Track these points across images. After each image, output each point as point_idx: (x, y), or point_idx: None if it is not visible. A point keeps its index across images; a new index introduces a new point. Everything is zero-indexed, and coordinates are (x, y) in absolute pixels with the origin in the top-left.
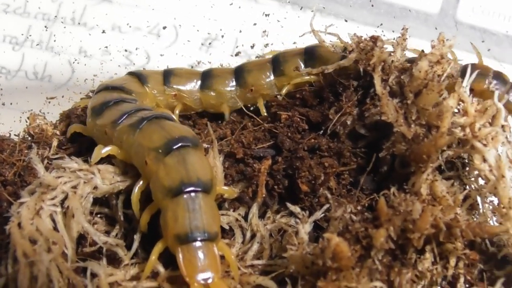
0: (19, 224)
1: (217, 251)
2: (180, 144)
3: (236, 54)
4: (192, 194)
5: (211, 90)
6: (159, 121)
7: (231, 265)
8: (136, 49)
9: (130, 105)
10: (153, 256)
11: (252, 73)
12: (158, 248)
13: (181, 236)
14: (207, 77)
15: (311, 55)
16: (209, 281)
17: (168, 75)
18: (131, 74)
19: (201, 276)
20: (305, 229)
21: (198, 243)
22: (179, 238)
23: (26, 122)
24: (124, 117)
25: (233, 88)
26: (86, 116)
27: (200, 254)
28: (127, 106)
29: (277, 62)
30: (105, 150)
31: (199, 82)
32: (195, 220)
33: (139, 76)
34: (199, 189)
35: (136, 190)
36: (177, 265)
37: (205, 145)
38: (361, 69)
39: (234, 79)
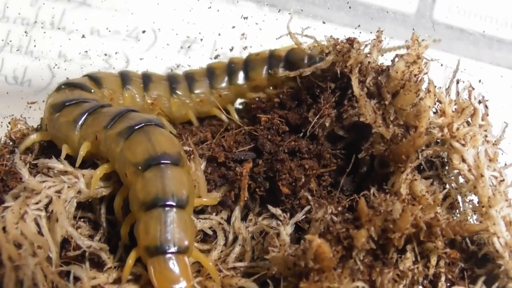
0: (3, 229)
1: (189, 261)
2: (159, 161)
3: (215, 57)
4: (166, 208)
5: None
6: (148, 129)
7: (210, 271)
8: (116, 53)
9: (91, 103)
10: (130, 260)
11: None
12: (133, 255)
13: (151, 248)
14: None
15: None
16: None
17: (126, 79)
18: (87, 76)
19: (172, 287)
20: (287, 231)
21: (167, 255)
22: (148, 250)
23: (7, 127)
24: (85, 115)
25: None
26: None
27: (171, 266)
28: (88, 105)
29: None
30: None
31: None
32: (166, 233)
33: (95, 80)
34: (173, 204)
35: (118, 198)
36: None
37: (186, 148)
38: (338, 71)
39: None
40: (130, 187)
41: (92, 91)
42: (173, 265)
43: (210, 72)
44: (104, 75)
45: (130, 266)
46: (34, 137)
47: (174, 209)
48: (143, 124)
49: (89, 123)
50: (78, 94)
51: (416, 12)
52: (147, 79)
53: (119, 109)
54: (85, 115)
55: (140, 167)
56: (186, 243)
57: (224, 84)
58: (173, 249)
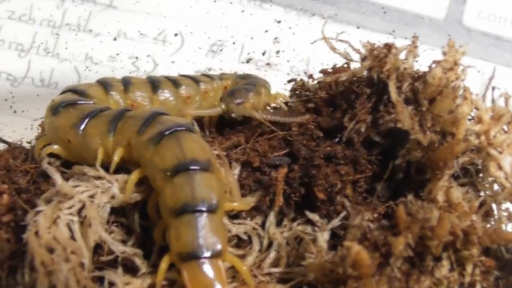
0: (36, 233)
1: (223, 265)
2: (189, 168)
3: (247, 61)
4: (196, 214)
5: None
6: (179, 135)
7: (244, 275)
8: (148, 56)
9: (90, 106)
10: (163, 265)
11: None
12: (166, 260)
13: (183, 254)
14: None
15: None
16: None
17: (126, 83)
18: (69, 91)
19: None
20: (324, 237)
21: (201, 260)
22: (181, 256)
23: (38, 129)
24: (87, 119)
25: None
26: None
27: (205, 270)
28: (87, 107)
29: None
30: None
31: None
32: (198, 239)
33: (104, 84)
34: (203, 209)
35: (151, 202)
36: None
37: (216, 152)
38: (375, 77)
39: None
40: (159, 193)
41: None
42: (207, 270)
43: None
44: (86, 86)
45: (164, 271)
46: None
47: (205, 214)
48: (173, 129)
49: (120, 130)
50: (89, 107)
51: (446, 17)
52: (127, 82)
53: (149, 112)
54: (115, 122)
55: (169, 173)
56: (219, 247)
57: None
58: (206, 254)
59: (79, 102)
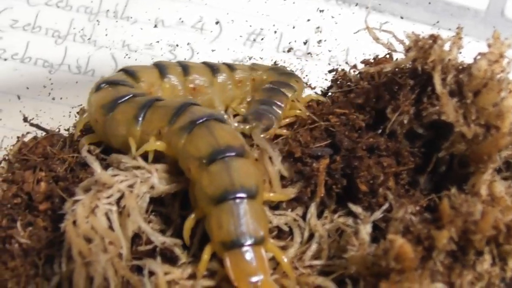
0: (74, 222)
1: (265, 253)
2: (224, 155)
3: (289, 50)
4: (237, 200)
5: None
6: (209, 124)
7: (284, 267)
8: (187, 43)
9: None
10: (205, 255)
11: None
12: (208, 250)
13: (227, 243)
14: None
15: None
16: (259, 283)
17: (185, 66)
18: (122, 71)
19: (250, 280)
20: (367, 229)
21: (244, 248)
22: (224, 245)
23: (76, 117)
24: (144, 111)
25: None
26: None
27: (247, 258)
28: (123, 90)
29: None
30: (152, 145)
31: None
32: (240, 226)
33: (160, 67)
34: (244, 195)
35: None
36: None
37: (255, 142)
38: (419, 68)
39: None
40: (195, 182)
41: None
42: (250, 258)
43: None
44: (140, 68)
45: (206, 262)
46: (83, 142)
47: (245, 201)
48: (204, 119)
49: (149, 119)
50: (125, 90)
51: (487, 8)
52: (186, 65)
53: (181, 103)
54: (144, 110)
55: (204, 161)
56: (262, 233)
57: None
58: (249, 241)
59: (120, 83)
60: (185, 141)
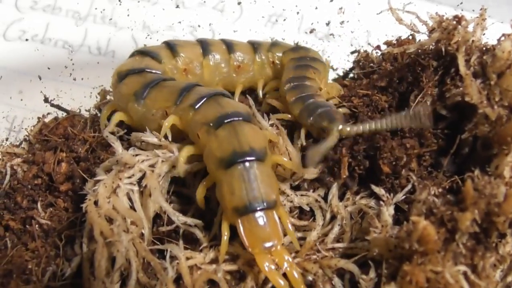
0: (95, 203)
1: (277, 218)
2: (231, 119)
3: (311, 31)
4: (246, 164)
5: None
6: (217, 98)
7: (289, 234)
8: (209, 24)
9: (153, 75)
10: (225, 234)
11: None
12: (225, 226)
13: (240, 208)
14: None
15: None
16: (272, 249)
17: (229, 44)
18: (165, 43)
19: (263, 245)
20: (389, 211)
21: (257, 213)
22: (237, 210)
23: (96, 98)
24: (147, 89)
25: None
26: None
27: (261, 223)
28: (151, 76)
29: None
30: (167, 122)
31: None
32: (252, 191)
33: (203, 44)
34: (253, 158)
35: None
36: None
37: (272, 122)
38: (443, 49)
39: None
40: (204, 148)
41: (163, 61)
42: (263, 223)
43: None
44: (182, 43)
45: (227, 243)
46: (104, 112)
47: (255, 164)
48: (213, 94)
49: (153, 97)
50: (145, 63)
51: None
52: (230, 43)
53: (185, 84)
54: (148, 89)
55: (212, 124)
56: (274, 197)
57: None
58: (262, 206)
59: (146, 70)
60: (194, 113)
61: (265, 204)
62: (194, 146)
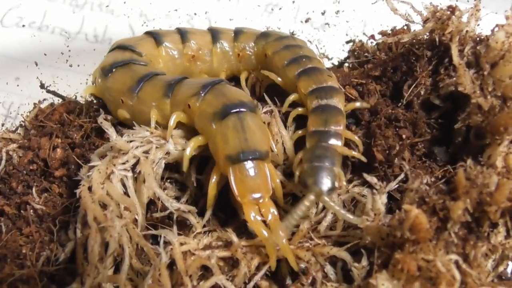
0: (89, 188)
1: (268, 171)
2: (217, 83)
3: (306, 21)
4: (240, 114)
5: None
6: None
7: (276, 189)
8: (206, 12)
9: (143, 68)
10: (214, 178)
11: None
12: (216, 172)
13: (233, 156)
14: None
15: None
16: (260, 200)
17: (184, 33)
18: (147, 33)
19: (252, 195)
20: (382, 200)
21: (249, 163)
22: (230, 158)
23: (93, 84)
24: (141, 84)
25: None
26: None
27: (251, 174)
28: (141, 70)
29: None
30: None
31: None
32: (246, 140)
33: (155, 36)
34: (244, 109)
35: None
36: (247, 223)
37: (269, 109)
38: (437, 39)
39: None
40: (197, 113)
41: (143, 55)
42: (254, 173)
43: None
44: (194, 30)
45: (215, 186)
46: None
47: (248, 115)
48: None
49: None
50: (128, 56)
51: None
52: (239, 31)
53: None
54: (142, 83)
55: (201, 92)
56: (266, 148)
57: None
58: (254, 155)
59: (133, 62)
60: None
61: (257, 154)
62: (201, 137)
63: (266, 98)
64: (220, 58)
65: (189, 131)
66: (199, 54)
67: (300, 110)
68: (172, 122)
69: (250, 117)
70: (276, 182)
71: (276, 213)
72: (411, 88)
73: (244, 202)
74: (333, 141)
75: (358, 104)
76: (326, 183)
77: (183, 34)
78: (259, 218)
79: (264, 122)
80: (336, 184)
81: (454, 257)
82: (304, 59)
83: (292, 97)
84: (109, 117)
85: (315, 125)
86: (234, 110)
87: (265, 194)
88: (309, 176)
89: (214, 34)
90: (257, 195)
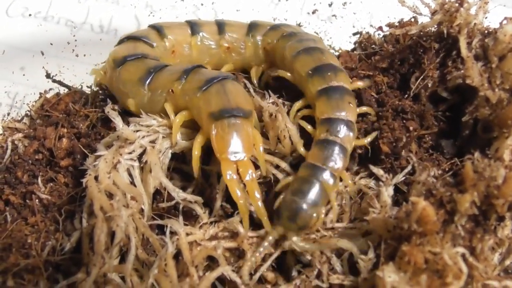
0: (95, 178)
1: (251, 132)
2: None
3: (313, 12)
4: (222, 81)
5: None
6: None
7: (258, 155)
8: (212, 3)
9: (153, 62)
10: (198, 139)
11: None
12: (198, 141)
13: (215, 113)
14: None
15: None
16: (239, 158)
17: (252, 25)
18: (151, 27)
19: (231, 153)
20: (388, 192)
21: (231, 119)
22: (213, 114)
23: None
24: (151, 75)
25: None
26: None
27: (232, 131)
28: (152, 62)
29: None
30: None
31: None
32: (228, 101)
33: (158, 29)
34: (226, 76)
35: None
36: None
37: (272, 100)
38: (445, 31)
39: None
40: (181, 94)
41: (155, 45)
42: (235, 131)
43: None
44: (202, 22)
45: (199, 143)
46: (95, 77)
47: (229, 81)
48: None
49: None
50: (140, 49)
51: None
52: (253, 24)
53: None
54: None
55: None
56: (249, 108)
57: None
58: (236, 112)
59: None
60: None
61: (239, 112)
62: (187, 112)
63: (271, 94)
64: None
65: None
66: (234, 46)
67: (306, 111)
68: (174, 118)
69: (231, 83)
70: (258, 149)
71: (253, 174)
72: (418, 80)
73: (222, 158)
74: (327, 177)
75: (360, 83)
76: (300, 221)
77: (159, 30)
78: (235, 177)
79: (271, 114)
80: (311, 224)
81: (461, 250)
82: (329, 73)
83: (299, 103)
84: (116, 107)
85: (315, 159)
86: (216, 80)
87: (245, 153)
88: (282, 210)
89: (220, 26)
90: (236, 153)
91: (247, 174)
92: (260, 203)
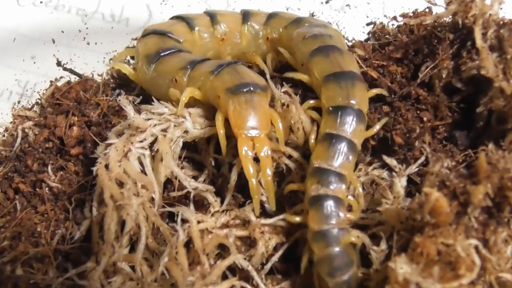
0: (106, 166)
1: (268, 110)
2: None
3: (327, 2)
4: (233, 65)
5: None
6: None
7: (277, 132)
8: None
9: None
10: (219, 117)
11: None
12: (220, 118)
13: (231, 87)
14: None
15: None
16: (256, 134)
17: (213, 16)
18: (177, 18)
19: (248, 128)
20: (402, 183)
21: (248, 95)
22: (229, 89)
23: (110, 63)
24: (192, 65)
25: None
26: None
27: (250, 106)
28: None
29: None
30: (185, 94)
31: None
32: (243, 78)
33: (187, 20)
34: (239, 61)
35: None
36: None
37: (284, 89)
38: (460, 22)
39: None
40: (191, 80)
41: (181, 40)
42: (252, 106)
43: None
44: (223, 12)
45: (221, 124)
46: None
47: (239, 65)
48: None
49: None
50: (171, 43)
51: None
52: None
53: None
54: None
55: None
56: (264, 83)
57: None
58: (252, 87)
59: (169, 34)
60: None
61: (256, 86)
62: (196, 89)
63: (284, 84)
64: (249, 39)
65: (209, 109)
66: (226, 38)
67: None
68: (184, 97)
69: (241, 66)
70: (278, 124)
71: (269, 151)
72: (427, 69)
73: (239, 133)
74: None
75: (375, 90)
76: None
77: (212, 17)
78: (250, 153)
79: (283, 104)
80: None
81: (474, 242)
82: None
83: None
84: (130, 97)
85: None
86: (229, 64)
87: (262, 129)
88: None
89: (245, 16)
90: (253, 129)
91: (262, 150)
92: (270, 179)
